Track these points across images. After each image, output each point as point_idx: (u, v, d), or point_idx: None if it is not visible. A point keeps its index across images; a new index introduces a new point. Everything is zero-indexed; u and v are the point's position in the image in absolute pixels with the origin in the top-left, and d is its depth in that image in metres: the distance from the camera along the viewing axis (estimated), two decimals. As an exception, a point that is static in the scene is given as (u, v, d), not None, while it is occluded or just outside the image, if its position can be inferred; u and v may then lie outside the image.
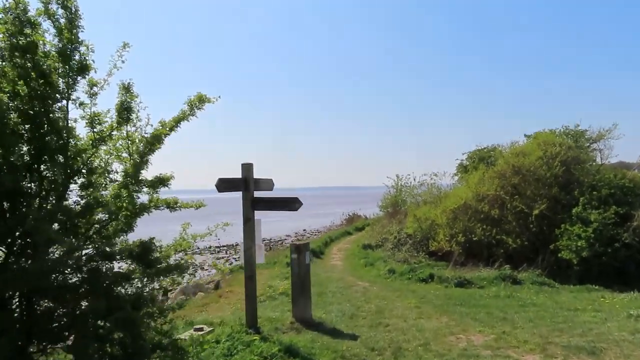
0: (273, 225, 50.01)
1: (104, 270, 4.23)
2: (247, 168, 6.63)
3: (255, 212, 6.74)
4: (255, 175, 6.81)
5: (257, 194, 6.92)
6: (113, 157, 4.69)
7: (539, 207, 15.64)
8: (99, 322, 4.04)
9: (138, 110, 4.70)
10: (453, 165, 26.61)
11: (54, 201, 4.36)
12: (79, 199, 4.48)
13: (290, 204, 6.50)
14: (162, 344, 4.42)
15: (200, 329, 7.24)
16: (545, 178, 16.35)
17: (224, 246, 35.80)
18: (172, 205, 4.87)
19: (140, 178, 4.50)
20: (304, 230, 46.09)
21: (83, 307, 4.08)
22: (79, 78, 4.29)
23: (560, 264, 14.82)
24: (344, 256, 18.03)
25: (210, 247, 35.83)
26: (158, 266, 4.52)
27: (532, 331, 6.68)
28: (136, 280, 4.55)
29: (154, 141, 4.49)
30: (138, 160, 4.39)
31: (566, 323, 7.05)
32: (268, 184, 7.14)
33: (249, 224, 6.61)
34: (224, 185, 6.25)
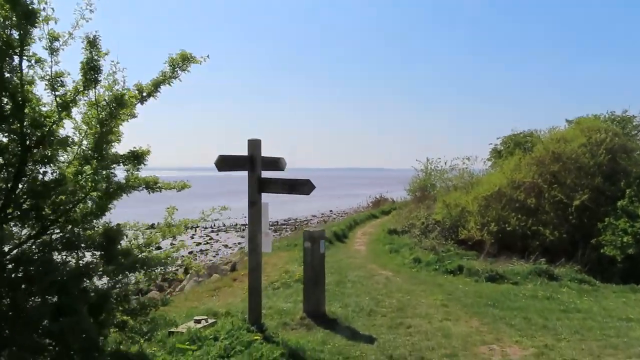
0: (299, 206, 49.33)
1: (60, 262, 3.42)
2: (254, 145, 5.71)
3: (263, 195, 5.85)
4: (265, 153, 5.90)
5: (267, 174, 6.02)
6: (84, 126, 3.85)
7: (580, 197, 14.28)
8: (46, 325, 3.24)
9: (114, 72, 3.83)
10: (485, 149, 25.10)
11: (11, 178, 3.57)
12: (40, 175, 3.68)
13: (300, 186, 5.57)
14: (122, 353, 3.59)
15: (202, 321, 6.48)
16: (588, 167, 14.93)
17: (249, 224, 35.42)
18: (151, 186, 4.01)
19: (107, 152, 3.63)
20: (331, 211, 45.30)
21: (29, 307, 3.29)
22: (30, 29, 3.41)
23: (601, 261, 13.53)
24: (368, 241, 17.08)
25: (236, 224, 35.54)
26: (123, 261, 3.65)
27: (580, 346, 5.61)
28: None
29: (117, 105, 3.59)
30: (99, 130, 3.52)
31: (620, 338, 5.94)
32: (279, 164, 6.21)
33: (254, 209, 5.72)
34: (226, 163, 5.37)
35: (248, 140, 5.76)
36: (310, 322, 6.58)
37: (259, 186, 5.71)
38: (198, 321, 6.44)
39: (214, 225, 34.37)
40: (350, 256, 13.86)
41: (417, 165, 24.25)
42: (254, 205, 5.72)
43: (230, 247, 25.63)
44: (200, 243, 29.17)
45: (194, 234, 32.66)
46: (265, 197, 6.12)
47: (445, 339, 5.94)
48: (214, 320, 6.63)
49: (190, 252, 26.25)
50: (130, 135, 4.01)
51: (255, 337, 5.47)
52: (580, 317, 6.94)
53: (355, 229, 19.95)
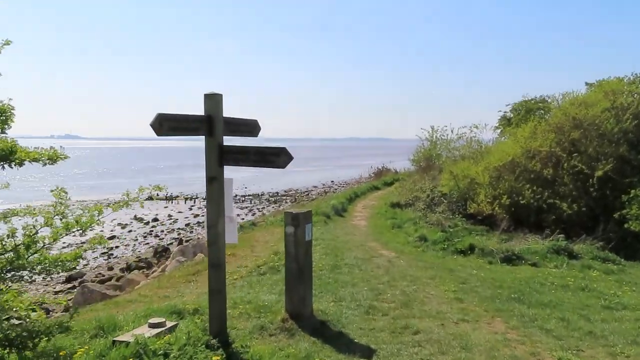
0: (300, 176, 47.89)
1: None
2: (213, 101, 4.17)
3: (226, 168, 4.35)
4: (229, 113, 4.36)
5: (233, 141, 4.52)
6: None
7: (603, 167, 12.74)
8: None
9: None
10: (493, 118, 23.41)
11: None
12: None
13: (274, 158, 4.05)
14: None
15: (158, 325, 5.08)
16: (611, 134, 13.31)
17: (249, 195, 34.06)
18: (5, 156, 2.50)
19: None
20: (332, 181, 43.90)
21: None
22: None
23: (625, 236, 12.12)
24: (369, 215, 15.64)
25: (236, 195, 34.19)
26: None
27: (646, 367, 4.21)
28: None
29: None
30: None
31: (694, 351, 4.53)
32: (249, 127, 4.69)
33: (214, 186, 4.22)
34: (170, 125, 3.83)
35: (205, 95, 4.21)
36: (293, 326, 5.17)
37: (219, 157, 4.20)
38: (153, 325, 5.05)
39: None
40: (348, 233, 12.44)
41: (421, 134, 22.63)
42: (214, 182, 4.22)
43: (227, 220, 24.31)
44: (198, 215, 27.89)
45: (192, 205, 31.40)
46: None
47: (465, 352, 4.52)
48: (175, 323, 5.24)
49: (187, 224, 25.00)
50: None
51: (214, 358, 4.05)
52: (631, 318, 5.49)
53: (356, 202, 18.51)
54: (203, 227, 24.76)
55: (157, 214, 25.52)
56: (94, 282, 12.94)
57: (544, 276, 7.71)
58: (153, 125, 3.65)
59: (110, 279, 12.63)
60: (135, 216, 24.82)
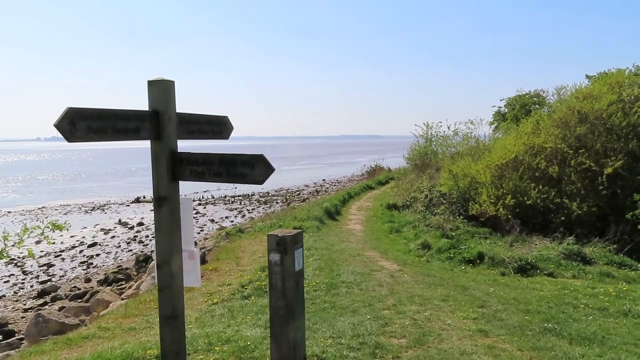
0: (291, 174, 46.47)
1: None
2: (162, 89, 2.89)
3: (181, 183, 3.08)
4: (188, 108, 3.08)
5: (192, 146, 3.26)
6: None
7: (613, 164, 11.68)
8: None
9: None
10: (485, 114, 22.34)
11: None
12: None
13: (244, 168, 2.80)
14: None
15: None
16: (619, 128, 12.24)
17: (239, 196, 32.70)
18: None
19: None
20: (324, 180, 42.58)
21: None
22: None
23: (635, 238, 11.11)
24: (364, 218, 14.41)
25: (225, 196, 32.81)
26: None
27: None
28: None
29: None
30: None
31: None
32: (215, 126, 3.40)
33: (164, 210, 2.94)
34: (89, 125, 2.54)
35: (149, 83, 2.92)
36: (282, 382, 3.93)
37: (171, 168, 2.92)
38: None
39: (202, 198, 31.69)
40: (344, 239, 11.20)
41: (415, 130, 21.40)
42: (164, 204, 2.93)
43: (216, 222, 22.99)
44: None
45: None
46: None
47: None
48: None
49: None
50: None
51: None
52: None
53: (350, 203, 17.26)
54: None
55: (142, 218, 24.05)
56: (67, 297, 11.58)
57: (572, 294, 6.51)
58: (60, 126, 2.34)
59: (84, 294, 11.28)
60: (119, 220, 23.34)
